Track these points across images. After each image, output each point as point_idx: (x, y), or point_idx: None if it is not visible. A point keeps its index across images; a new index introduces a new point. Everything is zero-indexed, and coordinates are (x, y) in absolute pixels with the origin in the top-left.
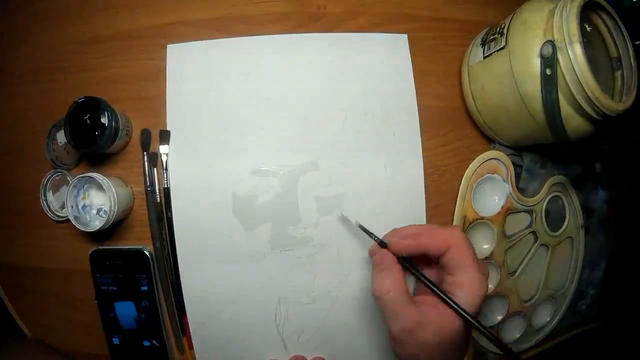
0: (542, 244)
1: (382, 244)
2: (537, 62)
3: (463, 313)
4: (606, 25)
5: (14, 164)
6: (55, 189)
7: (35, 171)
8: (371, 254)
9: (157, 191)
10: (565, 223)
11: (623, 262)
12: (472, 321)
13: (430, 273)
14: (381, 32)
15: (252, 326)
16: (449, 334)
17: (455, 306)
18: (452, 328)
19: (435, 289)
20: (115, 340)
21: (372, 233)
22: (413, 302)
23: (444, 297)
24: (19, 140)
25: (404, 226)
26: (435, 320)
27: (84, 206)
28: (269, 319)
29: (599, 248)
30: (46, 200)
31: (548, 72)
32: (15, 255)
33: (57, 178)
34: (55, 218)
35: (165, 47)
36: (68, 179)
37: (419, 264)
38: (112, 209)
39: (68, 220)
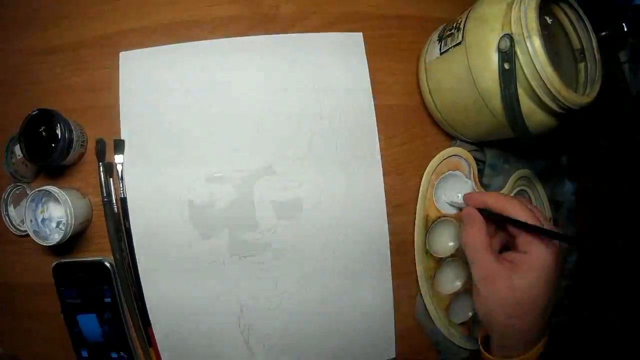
0: None
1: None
2: (494, 56)
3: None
4: (568, 17)
5: None
6: (16, 203)
7: None
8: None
9: (114, 201)
10: None
11: (593, 253)
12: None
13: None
14: (335, 31)
15: (217, 335)
16: (520, 292)
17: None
18: (523, 285)
19: (522, 224)
20: (84, 353)
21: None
22: (493, 254)
23: (535, 228)
24: None
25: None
26: (509, 275)
27: (43, 219)
28: (234, 328)
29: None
30: (8, 214)
31: (506, 66)
32: None
33: (17, 192)
34: (18, 232)
35: (118, 55)
36: (27, 192)
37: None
38: (70, 221)
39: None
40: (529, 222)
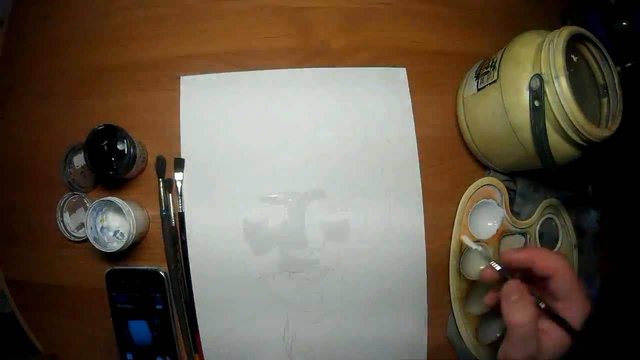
0: None
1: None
2: (526, 94)
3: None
4: (592, 55)
5: (31, 185)
6: (72, 211)
7: (51, 193)
8: (483, 276)
9: (172, 215)
10: (559, 243)
11: (617, 279)
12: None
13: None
14: (381, 66)
15: (261, 345)
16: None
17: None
18: (562, 352)
19: (561, 322)
20: (129, 356)
21: (498, 266)
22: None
23: (569, 328)
24: (36, 161)
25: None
26: (550, 348)
27: (101, 228)
28: (278, 338)
29: (593, 267)
30: (63, 221)
31: (536, 103)
32: (31, 272)
33: (73, 200)
34: (72, 238)
35: (178, 79)
36: (85, 201)
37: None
38: (131, 231)
39: (84, 241)
40: (574, 286)
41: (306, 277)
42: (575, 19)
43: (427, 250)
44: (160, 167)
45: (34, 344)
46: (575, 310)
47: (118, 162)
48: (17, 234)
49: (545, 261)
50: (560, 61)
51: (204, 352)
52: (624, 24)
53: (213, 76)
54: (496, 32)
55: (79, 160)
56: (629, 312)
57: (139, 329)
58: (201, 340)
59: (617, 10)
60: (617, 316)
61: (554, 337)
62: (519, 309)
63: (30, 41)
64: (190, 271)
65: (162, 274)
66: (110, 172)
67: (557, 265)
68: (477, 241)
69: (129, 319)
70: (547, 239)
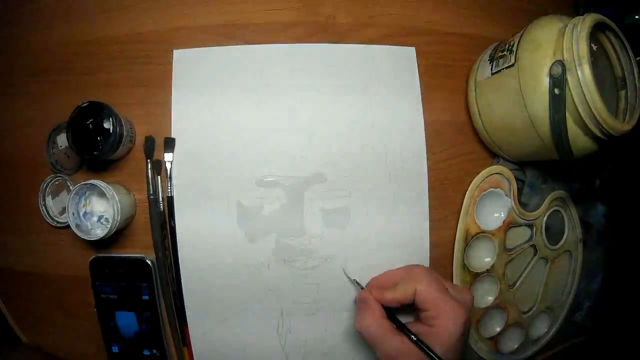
0: (541, 257)
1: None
2: (546, 81)
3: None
4: (612, 45)
5: (13, 167)
6: (55, 194)
7: (34, 175)
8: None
9: (161, 200)
10: (564, 237)
11: (619, 275)
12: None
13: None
14: (389, 44)
15: (254, 337)
16: None
17: (420, 345)
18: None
19: (405, 331)
20: (115, 349)
21: (358, 282)
22: (395, 334)
23: (414, 340)
24: (18, 142)
25: (380, 274)
26: (414, 353)
27: (85, 213)
28: (272, 330)
29: (596, 261)
30: (45, 205)
31: (557, 91)
32: (13, 260)
33: (56, 183)
34: (54, 223)
35: (171, 53)
36: (68, 184)
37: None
38: (115, 218)
39: (67, 226)
40: (436, 299)
41: (303, 266)
42: (587, 9)
43: (431, 239)
44: (149, 147)
45: (16, 333)
46: (444, 320)
47: (103, 142)
48: None
49: (406, 291)
50: (584, 48)
51: (193, 345)
52: (637, 17)
53: (208, 50)
54: (508, 16)
55: (62, 140)
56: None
57: (126, 321)
58: (190, 332)
59: (630, 3)
60: (618, 310)
61: (419, 354)
62: (363, 314)
63: (13, 16)
64: (179, 259)
65: (149, 262)
66: (95, 153)
67: (416, 284)
68: (482, 232)
69: (115, 309)
70: (553, 232)
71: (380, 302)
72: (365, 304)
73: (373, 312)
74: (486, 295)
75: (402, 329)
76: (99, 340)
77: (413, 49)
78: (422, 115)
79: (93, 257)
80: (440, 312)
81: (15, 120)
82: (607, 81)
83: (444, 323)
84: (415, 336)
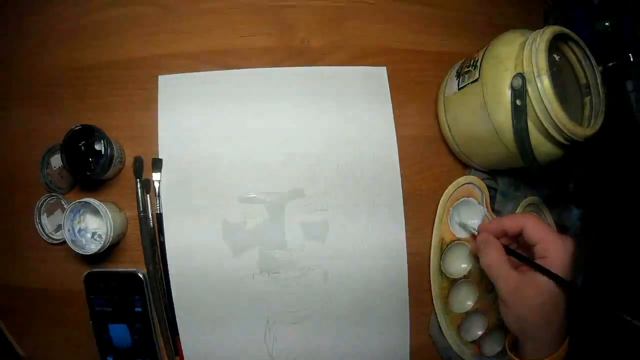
0: None
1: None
2: (508, 93)
3: (553, 273)
4: (575, 54)
5: (7, 186)
6: (50, 213)
7: (28, 194)
8: (474, 244)
9: (150, 216)
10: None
11: (597, 277)
12: (561, 278)
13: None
14: (361, 64)
15: (243, 346)
16: (548, 293)
17: (543, 269)
18: (549, 288)
19: (526, 259)
20: (110, 359)
21: (471, 226)
22: (515, 268)
23: (534, 263)
24: (12, 163)
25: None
26: (534, 281)
27: (79, 230)
28: (259, 339)
29: (574, 264)
30: (40, 222)
31: (518, 102)
32: (9, 276)
33: (51, 201)
34: (50, 240)
35: (157, 78)
36: (62, 202)
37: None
38: (109, 233)
39: (62, 243)
40: (545, 233)
41: (285, 277)
42: (559, 18)
43: (408, 248)
44: (138, 167)
45: (14, 349)
46: (555, 249)
47: (95, 163)
48: None
49: (512, 220)
50: (542, 60)
51: (184, 356)
52: (607, 24)
53: (191, 75)
54: (477, 31)
55: (56, 161)
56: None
57: (119, 333)
58: (182, 343)
59: (600, 11)
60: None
61: (539, 283)
62: (487, 251)
63: (5, 42)
64: (169, 273)
65: (141, 276)
66: (87, 173)
67: (523, 218)
68: (457, 240)
69: (109, 322)
70: None
71: (490, 230)
72: (487, 242)
73: (497, 248)
74: (466, 300)
75: (523, 259)
76: (93, 351)
77: (384, 68)
78: (394, 131)
79: (87, 271)
80: (551, 244)
81: (9, 141)
82: (572, 89)
83: (555, 253)
84: (537, 264)
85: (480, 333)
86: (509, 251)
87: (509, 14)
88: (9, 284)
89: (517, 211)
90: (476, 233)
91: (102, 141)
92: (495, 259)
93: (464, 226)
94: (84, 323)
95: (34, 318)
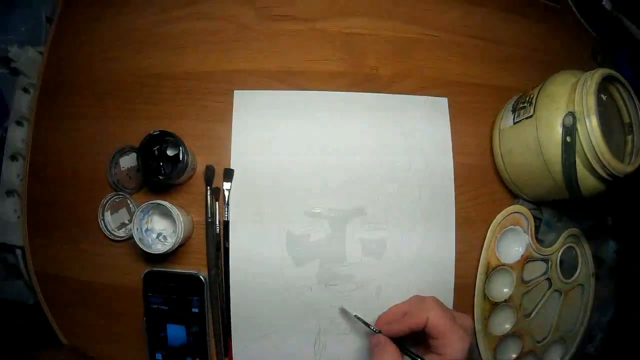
0: (555, 290)
1: (377, 331)
2: (559, 130)
3: None
4: (620, 95)
5: (76, 183)
6: (114, 210)
7: (93, 191)
8: (371, 342)
9: (217, 223)
10: (578, 271)
11: (629, 308)
12: None
13: (420, 343)
14: (424, 94)
15: (292, 352)
16: None
17: None
18: None
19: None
20: (158, 356)
21: (368, 323)
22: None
23: None
24: (84, 161)
25: (388, 310)
26: None
27: (146, 229)
28: (309, 346)
29: (608, 295)
30: (104, 219)
31: (568, 139)
32: (64, 267)
33: (117, 200)
34: (111, 237)
35: (231, 92)
36: (128, 202)
37: (410, 338)
38: (179, 235)
39: (122, 240)
40: (446, 328)
41: (341, 289)
42: (605, 56)
43: (456, 271)
44: (209, 175)
45: (57, 337)
46: (453, 348)
47: (168, 167)
48: (54, 227)
49: (417, 318)
50: (592, 102)
51: (234, 357)
52: None
53: (266, 93)
54: (532, 67)
55: (125, 161)
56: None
57: (176, 332)
58: (232, 345)
59: None
60: (629, 343)
61: None
62: (378, 357)
63: (82, 40)
64: (230, 278)
65: (202, 278)
66: (161, 177)
67: (428, 312)
68: (502, 265)
69: (167, 320)
70: (567, 267)
71: (391, 335)
72: (379, 346)
73: (391, 354)
74: (504, 323)
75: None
76: (140, 346)
77: (445, 99)
78: (452, 160)
79: (148, 270)
80: (450, 341)
81: (81, 138)
82: (616, 127)
83: (452, 351)
84: None
85: (514, 356)
86: (403, 349)
87: (560, 52)
88: (63, 274)
89: (558, 241)
90: (374, 330)
91: (179, 147)
92: None
93: (361, 320)
94: (133, 319)
95: (83, 309)
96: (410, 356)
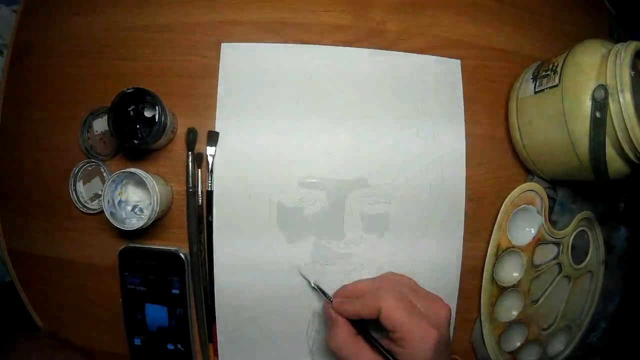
0: (565, 276)
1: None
2: (588, 104)
3: None
4: None
5: (46, 149)
6: (87, 180)
7: (65, 159)
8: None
9: (200, 193)
10: (588, 257)
11: (635, 299)
12: None
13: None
14: (436, 54)
15: (282, 338)
16: None
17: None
18: None
19: (378, 346)
20: (137, 341)
21: (326, 293)
22: (367, 347)
23: (385, 353)
24: (50, 123)
25: (353, 282)
26: None
27: (119, 202)
28: (300, 332)
29: (615, 284)
30: (76, 190)
31: (598, 115)
32: (37, 245)
33: (89, 168)
34: (84, 210)
35: (219, 45)
36: (102, 170)
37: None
38: (154, 208)
39: (97, 213)
40: (402, 318)
41: (339, 270)
42: (622, 34)
43: (464, 252)
44: (191, 139)
45: (33, 319)
46: (411, 340)
47: (145, 131)
48: (25, 201)
49: (368, 305)
50: (627, 74)
51: (219, 343)
52: None
53: (257, 46)
54: (551, 36)
55: (99, 125)
56: None
57: (156, 313)
58: (217, 329)
59: None
60: (633, 334)
61: None
62: (332, 332)
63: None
64: (214, 255)
65: (182, 255)
66: (136, 141)
67: (380, 302)
68: (512, 247)
69: (145, 301)
70: (578, 252)
71: (340, 314)
72: (333, 321)
73: (341, 329)
74: (511, 309)
75: (374, 345)
76: (119, 330)
77: (458, 61)
78: (464, 128)
79: (123, 247)
80: (408, 335)
81: (52, 100)
82: None
83: (412, 346)
84: (389, 354)
85: (518, 344)
86: (361, 331)
87: (579, 24)
88: (37, 252)
89: (571, 225)
90: (329, 299)
91: (156, 107)
92: (343, 340)
93: (315, 287)
94: (112, 301)
95: (58, 290)
96: (365, 338)
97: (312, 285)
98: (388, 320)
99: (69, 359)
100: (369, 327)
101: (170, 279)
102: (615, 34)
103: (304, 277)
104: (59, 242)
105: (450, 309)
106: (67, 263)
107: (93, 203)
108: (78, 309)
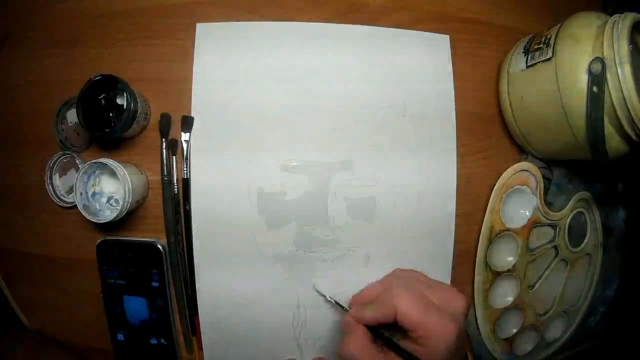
0: (562, 259)
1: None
2: (584, 77)
3: None
4: None
5: (19, 142)
6: (63, 172)
7: (41, 151)
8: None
9: (175, 181)
10: (586, 240)
11: (634, 282)
12: None
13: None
14: (422, 29)
15: (267, 329)
16: None
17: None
18: None
19: (396, 347)
20: (120, 336)
21: (342, 305)
22: (382, 357)
23: (404, 354)
24: (26, 116)
25: (362, 290)
26: None
27: (93, 194)
28: (287, 323)
29: (613, 267)
30: (52, 183)
31: (595, 89)
32: (16, 241)
33: (64, 160)
34: (61, 203)
35: (193, 27)
36: (77, 162)
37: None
38: (127, 199)
39: (75, 206)
40: (421, 316)
41: (324, 257)
42: (616, 8)
43: (456, 236)
44: (165, 125)
45: (19, 317)
46: (430, 339)
47: (116, 119)
48: (1, 196)
49: (385, 308)
50: (625, 47)
51: (202, 335)
52: None
53: (233, 25)
54: (541, 9)
55: (73, 115)
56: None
57: (135, 307)
58: (200, 322)
59: None
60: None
61: None
62: (346, 340)
63: None
64: (193, 245)
65: (160, 247)
66: (106, 130)
67: (396, 301)
68: (506, 230)
69: (125, 295)
70: (575, 234)
71: (361, 322)
72: (349, 327)
73: (356, 336)
74: (506, 295)
75: (393, 348)
76: (103, 326)
77: (447, 36)
78: (454, 106)
79: (100, 240)
80: (429, 333)
81: (26, 92)
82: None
83: (434, 343)
84: (409, 355)
85: (514, 331)
86: (377, 335)
87: None
88: (17, 248)
89: (567, 206)
90: (347, 309)
91: (124, 94)
92: (358, 350)
93: (331, 301)
94: (95, 295)
95: (42, 287)
96: (384, 341)
97: (328, 298)
98: (405, 320)
99: (54, 358)
100: (385, 331)
101: (149, 272)
102: (609, 9)
103: (319, 293)
104: (39, 237)
105: (466, 299)
106: (48, 258)
107: (70, 196)
108: (62, 306)
